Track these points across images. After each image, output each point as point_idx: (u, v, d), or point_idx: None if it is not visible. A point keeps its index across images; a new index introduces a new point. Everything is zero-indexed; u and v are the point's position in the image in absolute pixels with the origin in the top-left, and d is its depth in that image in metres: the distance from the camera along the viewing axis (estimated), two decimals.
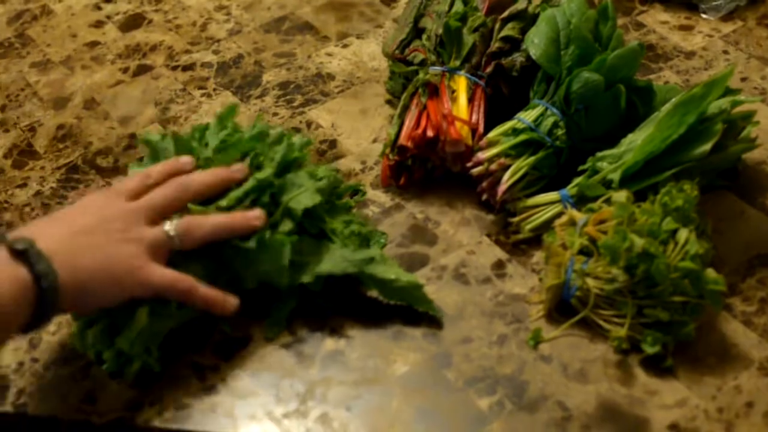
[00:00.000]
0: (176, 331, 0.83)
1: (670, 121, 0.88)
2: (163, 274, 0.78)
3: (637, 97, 0.94)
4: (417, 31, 1.05)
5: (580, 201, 0.89)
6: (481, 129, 0.95)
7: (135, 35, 1.24)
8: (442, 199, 0.97)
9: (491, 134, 0.93)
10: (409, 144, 0.94)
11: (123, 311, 0.78)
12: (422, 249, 0.92)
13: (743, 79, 1.10)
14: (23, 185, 1.01)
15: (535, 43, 0.97)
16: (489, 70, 0.99)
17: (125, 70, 1.17)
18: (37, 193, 1.00)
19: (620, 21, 1.17)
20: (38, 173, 1.03)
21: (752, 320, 0.84)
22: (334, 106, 1.10)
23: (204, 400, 0.80)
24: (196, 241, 0.81)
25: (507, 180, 0.91)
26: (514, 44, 1.01)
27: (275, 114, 1.09)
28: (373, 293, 0.85)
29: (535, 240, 0.90)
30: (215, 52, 1.19)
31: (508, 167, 0.91)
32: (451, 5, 1.05)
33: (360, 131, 1.06)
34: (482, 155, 0.92)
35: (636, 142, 0.89)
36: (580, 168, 0.91)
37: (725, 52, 1.15)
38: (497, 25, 1.02)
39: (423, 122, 0.95)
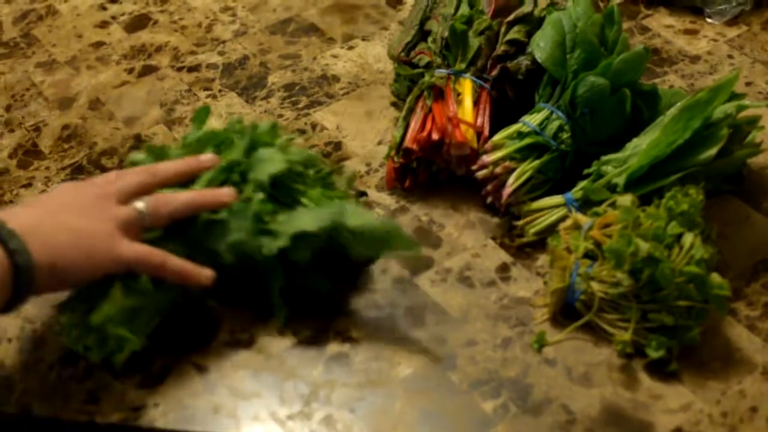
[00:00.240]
0: (179, 332, 0.83)
1: (676, 125, 0.88)
2: (136, 249, 0.79)
3: (642, 101, 0.94)
4: (423, 34, 1.05)
5: (585, 205, 0.89)
6: (486, 132, 0.95)
7: (140, 36, 1.24)
8: (447, 201, 0.97)
9: (496, 137, 0.93)
10: (414, 146, 0.94)
11: (99, 292, 0.78)
12: (427, 252, 0.91)
13: (748, 84, 1.10)
14: (28, 185, 1.01)
15: (541, 46, 0.97)
16: (494, 73, 0.99)
17: (130, 71, 1.17)
18: (42, 193, 1.00)
19: (626, 25, 1.17)
20: (43, 173, 1.03)
21: (756, 325, 0.84)
22: (339, 108, 1.10)
23: (207, 401, 0.80)
24: (166, 217, 0.81)
25: (512, 183, 0.91)
26: (519, 47, 1.01)
27: (280, 115, 1.09)
28: (359, 251, 0.84)
29: (540, 243, 0.90)
30: (221, 54, 1.19)
31: (513, 170, 0.91)
32: (457, 8, 1.05)
33: (365, 133, 1.06)
34: (487, 158, 0.92)
35: (641, 147, 0.89)
36: (585, 172, 0.91)
37: (730, 56, 1.15)
38: (503, 29, 1.02)
39: (428, 125, 0.95)
